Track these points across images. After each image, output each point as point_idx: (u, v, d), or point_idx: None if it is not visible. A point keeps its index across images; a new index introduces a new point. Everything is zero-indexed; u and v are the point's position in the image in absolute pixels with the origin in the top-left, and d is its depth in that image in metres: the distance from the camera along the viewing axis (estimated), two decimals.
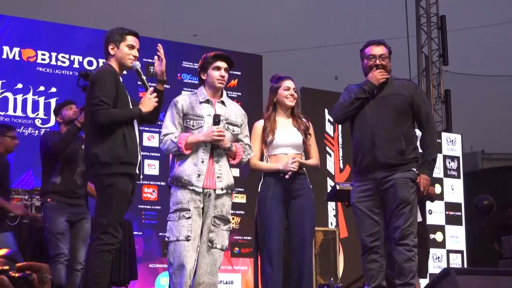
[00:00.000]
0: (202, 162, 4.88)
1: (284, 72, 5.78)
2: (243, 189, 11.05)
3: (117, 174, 4.65)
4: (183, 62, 11.30)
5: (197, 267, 4.86)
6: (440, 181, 12.04)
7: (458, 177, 12.43)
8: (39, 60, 10.25)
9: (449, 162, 12.34)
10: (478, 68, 18.66)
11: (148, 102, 4.91)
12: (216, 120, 4.93)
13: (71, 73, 10.38)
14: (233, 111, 5.15)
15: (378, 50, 5.47)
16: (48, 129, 9.90)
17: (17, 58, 10.12)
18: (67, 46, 10.51)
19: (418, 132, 5.52)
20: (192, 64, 11.32)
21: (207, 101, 5.03)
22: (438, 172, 11.83)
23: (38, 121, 10.04)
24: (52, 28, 10.65)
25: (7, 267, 1.37)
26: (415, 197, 5.25)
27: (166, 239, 4.87)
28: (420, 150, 5.47)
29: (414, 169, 5.26)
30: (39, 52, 10.26)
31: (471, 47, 19.35)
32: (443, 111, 14.68)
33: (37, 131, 9.97)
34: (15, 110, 9.91)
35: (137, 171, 4.85)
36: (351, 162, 6.29)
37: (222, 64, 5.05)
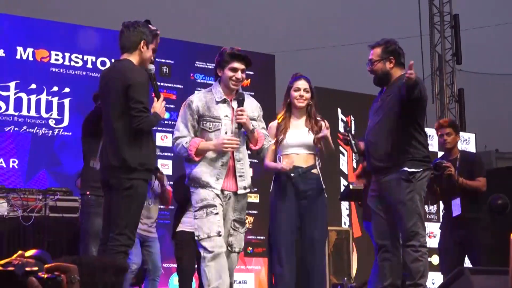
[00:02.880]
0: (222, 165, 4.82)
1: (297, 71, 5.73)
2: (256, 189, 11.03)
3: (139, 177, 4.69)
4: (196, 62, 11.28)
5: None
6: None
7: None
8: (52, 61, 10.25)
9: None
10: (492, 66, 18.57)
11: (163, 109, 4.90)
12: (240, 98, 4.86)
13: (84, 73, 10.40)
14: (249, 105, 5.05)
15: (369, 54, 5.44)
16: (61, 129, 9.95)
17: (30, 58, 10.12)
18: (81, 46, 10.50)
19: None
20: (205, 64, 11.31)
21: (224, 101, 4.89)
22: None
23: (52, 121, 10.03)
24: (66, 28, 10.66)
25: (36, 268, 1.37)
26: (412, 196, 5.17)
27: (196, 237, 4.75)
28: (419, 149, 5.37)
29: (406, 168, 5.18)
30: (53, 53, 10.26)
31: (484, 46, 19.26)
32: (457, 110, 14.63)
33: (50, 131, 9.97)
34: (29, 110, 9.90)
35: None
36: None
37: (239, 65, 4.91)
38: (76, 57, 10.45)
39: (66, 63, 10.36)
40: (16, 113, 9.84)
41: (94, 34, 10.74)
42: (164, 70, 10.51)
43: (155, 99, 4.89)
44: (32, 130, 9.86)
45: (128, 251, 4.67)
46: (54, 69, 10.25)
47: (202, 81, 11.22)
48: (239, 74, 4.90)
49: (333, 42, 18.38)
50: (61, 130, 9.98)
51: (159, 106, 4.84)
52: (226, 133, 4.88)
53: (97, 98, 6.39)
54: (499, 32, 19.30)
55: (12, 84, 9.86)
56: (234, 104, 4.90)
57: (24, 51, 10.12)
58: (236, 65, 4.90)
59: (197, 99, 4.90)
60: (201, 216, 4.73)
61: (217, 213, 4.73)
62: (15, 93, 9.87)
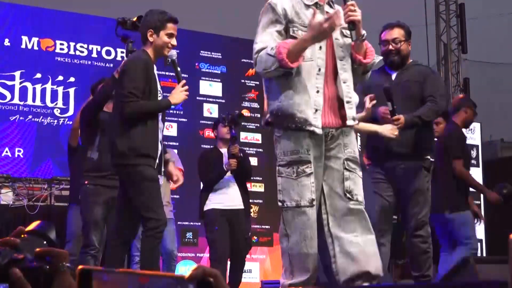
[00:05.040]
0: (317, 91, 3.67)
1: None
2: (261, 178, 11.04)
3: (140, 163, 4.61)
4: (201, 51, 11.26)
5: (344, 228, 3.67)
6: None
7: (477, 165, 12.34)
8: (57, 50, 10.25)
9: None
10: (498, 56, 18.52)
11: (179, 94, 4.76)
12: None
13: (89, 62, 10.41)
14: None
15: (391, 34, 5.32)
16: (66, 118, 9.95)
17: (35, 48, 10.11)
18: (86, 35, 10.50)
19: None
20: (210, 53, 11.32)
21: (316, 4, 3.76)
22: None
23: (57, 110, 10.03)
24: (71, 17, 10.65)
25: (21, 256, 1.26)
26: (429, 186, 5.22)
27: (280, 203, 3.72)
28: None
29: (429, 157, 5.21)
30: (58, 42, 10.26)
31: (490, 35, 19.19)
32: None
33: (55, 121, 9.97)
34: (34, 99, 9.91)
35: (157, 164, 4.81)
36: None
37: None
38: (81, 46, 10.44)
39: (71, 52, 10.35)
40: (21, 103, 9.84)
41: (99, 23, 10.72)
42: (169, 60, 10.52)
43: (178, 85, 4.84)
44: (37, 120, 9.86)
45: (159, 233, 4.66)
46: (59, 59, 10.23)
47: (207, 70, 11.22)
48: None
49: None
50: (66, 119, 9.96)
51: (174, 91, 4.77)
52: (320, 48, 3.71)
53: (94, 90, 6.42)
54: (504, 21, 19.23)
55: (17, 74, 9.86)
56: (327, 9, 3.80)
57: (29, 41, 10.10)
58: None
59: (281, 0, 3.74)
60: (289, 175, 3.64)
61: (311, 173, 3.62)
62: (20, 83, 9.86)
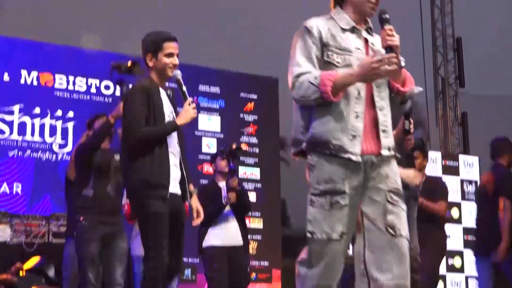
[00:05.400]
0: (357, 116, 3.43)
1: None
2: (259, 214, 11.00)
3: (147, 197, 4.38)
4: (200, 86, 11.29)
5: (379, 267, 3.44)
6: (458, 205, 11.93)
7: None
8: (56, 85, 10.27)
9: (467, 186, 12.22)
10: (495, 89, 18.64)
11: (185, 113, 4.53)
12: (385, 16, 3.46)
13: (88, 97, 10.42)
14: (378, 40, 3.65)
15: None
16: (65, 153, 9.93)
17: (35, 82, 10.13)
18: (85, 70, 10.52)
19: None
20: (208, 87, 11.36)
21: (353, 30, 3.56)
22: (455, 196, 11.73)
23: (56, 145, 10.03)
24: (70, 52, 10.72)
25: None
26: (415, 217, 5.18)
27: (309, 234, 3.43)
28: None
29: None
30: (57, 76, 10.28)
31: (488, 69, 19.33)
32: (460, 133, 14.62)
33: (54, 156, 9.96)
34: (32, 134, 9.91)
35: (179, 191, 4.59)
36: None
37: None
38: (80, 80, 10.46)
39: (70, 87, 10.37)
40: (20, 138, 9.84)
41: (98, 58, 10.75)
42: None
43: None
44: (36, 155, 9.85)
45: (157, 274, 4.40)
46: (58, 93, 10.26)
47: (206, 104, 11.24)
48: None
49: None
50: (65, 154, 9.95)
51: (181, 111, 4.57)
52: None
53: (90, 125, 6.39)
54: (502, 55, 19.38)
55: (16, 108, 9.87)
56: (365, 35, 3.62)
57: (29, 75, 10.13)
58: None
59: (316, 23, 3.55)
60: (322, 206, 3.39)
61: (346, 205, 3.38)
62: (19, 117, 9.88)
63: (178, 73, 4.59)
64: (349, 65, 3.42)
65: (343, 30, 3.52)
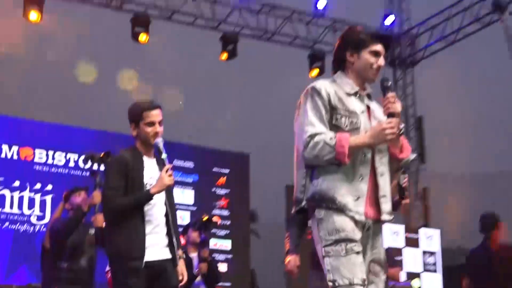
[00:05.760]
0: (361, 179, 3.41)
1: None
2: (230, 284, 10.98)
3: (120, 270, 4.27)
4: (174, 160, 11.38)
5: None
6: (418, 275, 12.01)
7: (436, 271, 12.39)
8: (36, 159, 10.32)
9: (427, 257, 12.32)
10: (455, 166, 18.90)
11: (161, 181, 4.27)
12: (387, 84, 3.49)
13: (67, 171, 10.47)
14: (378, 108, 3.65)
15: None
16: (43, 225, 9.89)
17: (15, 157, 10.19)
18: (64, 145, 10.60)
19: None
20: (183, 161, 11.47)
21: (356, 94, 3.52)
22: (417, 266, 11.83)
23: (34, 217, 10.02)
24: (50, 127, 10.79)
25: None
26: None
27: (331, 283, 3.27)
28: None
29: None
30: (37, 151, 10.35)
31: (448, 146, 19.63)
32: (422, 208, 14.77)
33: (32, 228, 9.95)
34: (11, 207, 9.91)
35: (166, 255, 4.35)
36: None
37: (381, 49, 3.58)
38: (60, 155, 10.51)
39: (49, 161, 10.43)
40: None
41: (77, 133, 10.84)
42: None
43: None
44: (14, 226, 9.83)
45: None
46: (37, 167, 10.31)
47: (179, 179, 11.31)
48: (382, 60, 3.56)
49: None
50: (43, 226, 9.92)
51: (157, 179, 4.31)
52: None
53: (67, 197, 6.29)
54: (463, 133, 19.73)
55: None
56: (367, 100, 3.59)
57: (9, 149, 10.17)
58: (379, 48, 3.56)
59: (324, 86, 3.48)
60: (338, 254, 3.26)
61: (359, 252, 3.28)
62: None
63: (159, 141, 4.38)
64: (357, 129, 3.39)
65: (348, 94, 3.48)
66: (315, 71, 12.01)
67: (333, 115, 3.39)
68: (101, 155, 5.89)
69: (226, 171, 11.96)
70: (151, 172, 4.36)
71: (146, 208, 4.26)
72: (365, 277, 3.24)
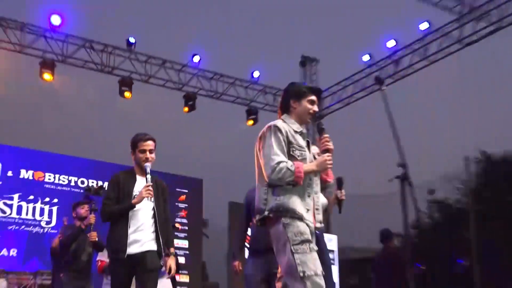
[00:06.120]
0: (308, 196, 3.35)
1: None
2: (186, 272, 10.99)
3: (111, 259, 4.21)
4: None
5: None
6: None
7: (334, 264, 12.51)
8: (46, 179, 10.24)
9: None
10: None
11: (140, 194, 4.13)
12: (322, 126, 3.52)
13: (68, 189, 10.40)
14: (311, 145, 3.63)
15: None
16: (50, 228, 9.79)
17: (30, 178, 10.10)
18: (67, 169, 10.55)
19: None
20: None
21: (301, 133, 3.47)
22: None
23: (43, 222, 9.93)
24: (57, 157, 10.72)
25: None
26: None
27: (301, 274, 3.11)
28: None
29: None
30: (47, 174, 10.28)
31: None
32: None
33: (42, 230, 9.87)
34: (27, 214, 9.81)
35: (152, 247, 4.14)
36: None
37: (315, 99, 3.56)
38: (64, 177, 10.45)
39: (56, 181, 10.35)
40: (17, 216, 9.72)
41: (77, 162, 10.80)
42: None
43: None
44: (28, 229, 9.72)
45: None
46: (47, 186, 10.22)
47: None
48: (316, 107, 3.55)
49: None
50: (50, 228, 9.86)
51: (139, 193, 4.16)
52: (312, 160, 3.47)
53: (75, 207, 6.16)
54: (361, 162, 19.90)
55: (15, 196, 9.79)
56: (305, 138, 3.51)
57: (26, 172, 10.08)
58: (314, 98, 3.54)
59: (282, 125, 3.41)
60: (304, 251, 3.15)
61: (316, 250, 3.22)
62: (18, 202, 9.77)
63: (147, 165, 4.25)
64: (305, 159, 3.34)
65: (295, 132, 3.41)
66: (251, 121, 12.25)
67: (290, 148, 3.32)
68: (96, 188, 5.98)
69: (186, 191, 12.03)
70: (140, 187, 4.21)
71: (131, 213, 4.14)
72: (322, 269, 3.15)
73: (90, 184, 6.12)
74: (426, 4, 9.78)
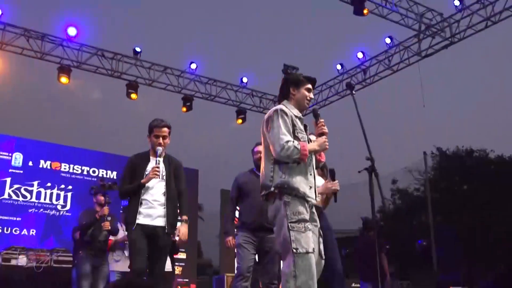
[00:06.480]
0: (310, 174, 3.25)
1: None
2: (184, 250, 10.93)
3: (128, 230, 4.06)
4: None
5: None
6: None
7: None
8: (62, 169, 10.12)
9: None
10: None
11: (149, 175, 4.00)
12: (318, 112, 3.44)
13: (81, 177, 10.27)
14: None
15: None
16: (65, 211, 9.69)
17: (48, 167, 9.97)
18: (80, 160, 10.42)
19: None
20: None
21: (300, 118, 3.37)
22: None
23: (59, 206, 9.81)
24: (71, 149, 10.59)
25: None
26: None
27: (294, 250, 3.01)
28: None
29: None
30: (63, 164, 10.15)
31: None
32: None
33: (58, 213, 9.73)
34: (45, 199, 9.68)
35: (161, 223, 3.99)
36: None
37: (311, 88, 3.47)
38: (78, 167, 10.33)
39: (71, 170, 10.23)
40: (37, 201, 9.59)
41: (89, 154, 10.69)
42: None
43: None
44: (46, 212, 9.60)
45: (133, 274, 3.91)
46: (63, 174, 10.10)
47: None
48: (312, 95, 3.46)
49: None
50: (65, 211, 9.75)
51: (148, 173, 4.03)
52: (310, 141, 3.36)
53: (96, 194, 6.11)
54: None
55: (35, 183, 9.65)
56: (301, 122, 3.39)
57: (45, 162, 9.95)
58: (311, 86, 3.45)
59: (286, 109, 3.30)
60: (300, 230, 3.04)
61: (310, 230, 3.12)
62: (37, 188, 9.64)
63: (158, 149, 4.12)
64: (305, 141, 3.23)
65: (296, 116, 3.31)
66: (240, 120, 12.23)
67: (294, 130, 3.23)
68: (110, 184, 6.01)
69: None
70: (152, 166, 4.08)
71: (144, 191, 4.02)
72: (313, 247, 3.08)
73: (104, 181, 6.03)
74: (389, 22, 9.84)
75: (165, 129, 4.16)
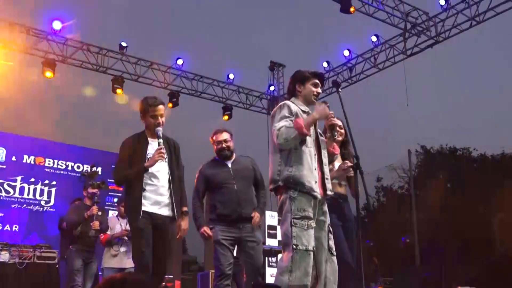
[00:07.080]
0: (315, 169, 3.21)
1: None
2: None
3: (130, 218, 3.71)
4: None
5: (318, 278, 3.14)
6: None
7: None
8: (46, 164, 10.00)
9: None
10: None
11: (152, 158, 3.64)
12: (328, 104, 3.38)
13: (66, 173, 10.16)
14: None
15: (222, 136, 4.40)
16: (49, 207, 9.59)
17: (32, 162, 9.85)
18: (64, 156, 10.30)
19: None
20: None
21: (307, 112, 3.34)
22: None
23: (43, 201, 9.69)
24: (55, 145, 10.48)
25: None
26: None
27: (294, 246, 3.02)
28: None
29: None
30: (47, 159, 10.03)
31: None
32: None
33: (41, 208, 9.62)
34: (28, 194, 9.56)
35: (166, 212, 3.67)
36: None
37: (318, 82, 3.45)
38: (62, 162, 10.23)
39: (55, 166, 10.12)
40: (20, 196, 9.46)
41: (72, 149, 10.59)
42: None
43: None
44: (29, 207, 9.48)
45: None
46: (46, 170, 9.98)
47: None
48: (319, 90, 3.43)
49: None
50: (48, 207, 9.63)
51: (150, 157, 3.67)
52: (313, 141, 3.34)
53: (87, 187, 5.98)
54: None
55: (18, 178, 9.53)
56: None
57: (29, 158, 9.83)
58: (317, 81, 3.43)
59: (291, 104, 3.31)
60: (302, 226, 3.04)
61: (313, 228, 3.10)
62: (20, 184, 9.52)
63: (158, 129, 3.73)
64: (310, 135, 3.22)
65: (303, 111, 3.29)
66: (226, 117, 12.21)
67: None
68: (90, 173, 5.93)
69: None
70: (153, 150, 3.71)
71: (147, 176, 3.64)
72: (314, 245, 3.06)
73: (85, 169, 5.99)
74: (376, 20, 9.90)
75: (161, 106, 3.77)
